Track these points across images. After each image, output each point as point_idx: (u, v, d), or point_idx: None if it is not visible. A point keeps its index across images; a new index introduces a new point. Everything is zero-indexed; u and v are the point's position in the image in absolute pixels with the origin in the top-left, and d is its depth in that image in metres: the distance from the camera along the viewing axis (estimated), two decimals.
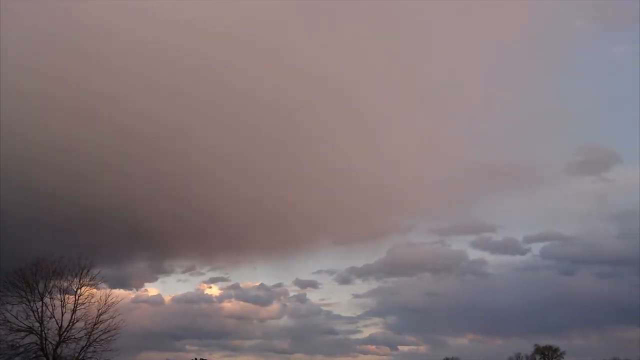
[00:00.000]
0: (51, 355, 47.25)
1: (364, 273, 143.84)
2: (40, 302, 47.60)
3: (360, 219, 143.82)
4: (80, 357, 48.06)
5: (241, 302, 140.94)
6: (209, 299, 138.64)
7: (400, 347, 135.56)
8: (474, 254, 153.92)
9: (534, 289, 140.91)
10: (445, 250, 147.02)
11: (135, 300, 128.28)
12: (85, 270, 49.37)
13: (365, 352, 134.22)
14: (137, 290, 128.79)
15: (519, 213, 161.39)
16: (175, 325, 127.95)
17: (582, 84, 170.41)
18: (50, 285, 48.27)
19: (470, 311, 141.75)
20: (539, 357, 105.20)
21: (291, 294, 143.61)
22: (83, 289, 49.11)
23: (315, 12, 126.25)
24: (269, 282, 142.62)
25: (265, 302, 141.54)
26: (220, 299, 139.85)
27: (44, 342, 47.15)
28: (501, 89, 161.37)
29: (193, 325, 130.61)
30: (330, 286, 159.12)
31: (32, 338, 47.00)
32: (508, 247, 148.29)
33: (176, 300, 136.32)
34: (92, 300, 49.10)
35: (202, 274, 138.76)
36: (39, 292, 47.79)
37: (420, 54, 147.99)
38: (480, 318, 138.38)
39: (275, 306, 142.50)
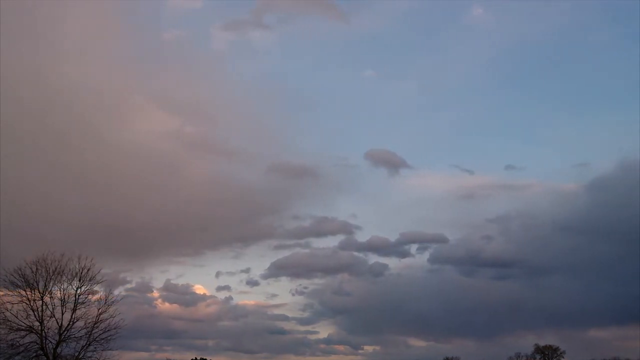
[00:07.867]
0: (51, 354, 47.19)
1: (267, 276, 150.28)
2: (41, 302, 47.51)
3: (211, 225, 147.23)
4: (81, 356, 48.03)
5: (168, 304, 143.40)
6: (137, 300, 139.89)
7: (365, 347, 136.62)
8: (368, 257, 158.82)
9: (448, 289, 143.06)
10: (331, 252, 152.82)
11: None
12: (85, 270, 49.29)
13: (335, 352, 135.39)
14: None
15: (360, 214, 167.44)
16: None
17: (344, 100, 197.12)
18: (51, 284, 48.21)
19: (401, 312, 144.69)
20: (539, 356, 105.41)
21: (219, 297, 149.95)
22: (83, 288, 49.03)
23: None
24: (177, 283, 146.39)
25: (189, 303, 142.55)
26: (148, 300, 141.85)
27: (44, 341, 47.05)
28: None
29: (137, 326, 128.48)
30: (243, 287, 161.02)
31: (32, 337, 46.84)
32: (386, 249, 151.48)
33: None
34: (92, 300, 49.13)
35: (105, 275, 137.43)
36: (39, 291, 47.69)
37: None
38: (417, 319, 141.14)
39: (202, 307, 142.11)
